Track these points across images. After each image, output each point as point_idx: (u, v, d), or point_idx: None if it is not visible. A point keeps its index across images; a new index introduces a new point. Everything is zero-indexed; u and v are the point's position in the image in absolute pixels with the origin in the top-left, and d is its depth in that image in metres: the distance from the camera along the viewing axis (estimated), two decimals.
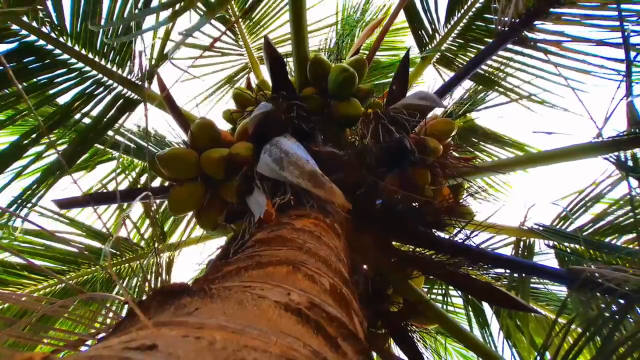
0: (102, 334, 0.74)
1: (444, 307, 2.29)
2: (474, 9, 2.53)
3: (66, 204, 2.05)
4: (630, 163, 1.84)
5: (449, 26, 2.63)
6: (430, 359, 1.87)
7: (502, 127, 3.05)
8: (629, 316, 1.47)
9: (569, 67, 2.09)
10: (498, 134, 2.95)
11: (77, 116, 2.17)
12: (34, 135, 1.99)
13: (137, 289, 2.73)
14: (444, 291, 2.44)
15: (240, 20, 2.91)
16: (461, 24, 2.61)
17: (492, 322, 2.27)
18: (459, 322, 2.71)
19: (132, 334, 0.43)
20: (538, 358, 1.24)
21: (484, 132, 2.95)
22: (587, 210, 2.25)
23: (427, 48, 2.73)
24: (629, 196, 2.04)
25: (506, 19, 2.05)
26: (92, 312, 1.92)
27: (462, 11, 2.56)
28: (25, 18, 1.91)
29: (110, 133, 2.37)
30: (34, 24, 1.92)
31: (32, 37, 1.97)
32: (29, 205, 2.02)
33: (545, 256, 2.44)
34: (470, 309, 2.35)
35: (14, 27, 1.92)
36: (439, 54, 2.74)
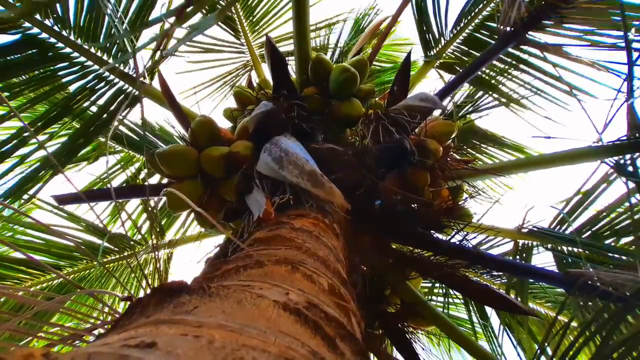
0: (100, 330, 0.74)
1: (446, 304, 2.29)
2: (480, 17, 2.58)
3: (65, 199, 2.04)
4: (629, 168, 1.84)
5: (454, 32, 2.66)
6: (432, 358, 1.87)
7: (502, 129, 3.05)
8: (626, 318, 1.48)
9: (566, 83, 2.10)
10: (498, 136, 2.97)
11: (79, 110, 2.16)
12: (26, 134, 1.99)
13: (135, 286, 2.73)
14: (444, 290, 2.45)
15: (242, 18, 2.90)
16: (466, 31, 2.65)
17: (492, 314, 2.27)
18: (456, 317, 2.71)
19: (131, 331, 0.43)
20: (538, 353, 1.25)
21: (484, 134, 2.96)
22: (584, 213, 2.26)
23: (432, 51, 2.75)
24: (627, 200, 2.04)
25: (508, 28, 2.05)
26: (90, 307, 1.92)
27: (469, 18, 2.59)
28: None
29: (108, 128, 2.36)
30: (38, 16, 1.92)
31: (35, 30, 1.96)
32: (26, 198, 2.02)
33: (544, 257, 2.44)
34: (471, 306, 2.36)
35: None
36: (442, 57, 2.76)
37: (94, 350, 0.36)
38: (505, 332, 2.05)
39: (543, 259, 2.50)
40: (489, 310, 2.28)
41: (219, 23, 2.94)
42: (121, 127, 2.53)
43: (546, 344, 1.38)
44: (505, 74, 2.53)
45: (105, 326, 0.74)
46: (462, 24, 2.63)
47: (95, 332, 0.75)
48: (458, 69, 2.76)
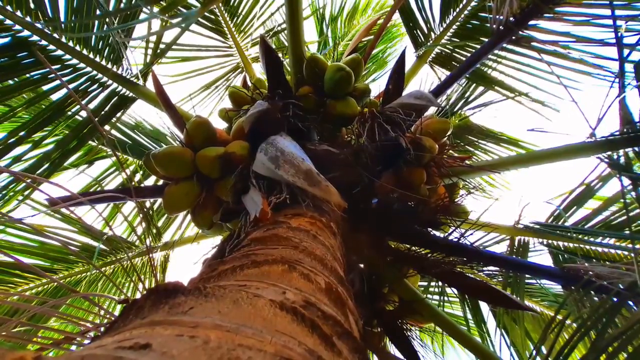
0: (96, 333, 0.74)
1: (441, 302, 2.30)
2: (469, 7, 2.53)
3: (58, 202, 2.02)
4: (622, 162, 1.86)
5: (444, 25, 2.64)
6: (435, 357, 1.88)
7: (497, 124, 3.06)
8: (621, 313, 1.49)
9: (563, 67, 2.12)
10: (493, 131, 2.98)
11: (71, 113, 2.15)
12: (22, 133, 1.97)
13: (132, 289, 2.71)
14: (440, 288, 2.45)
15: (227, 19, 2.86)
16: (457, 23, 2.61)
17: (489, 316, 2.28)
18: (455, 316, 2.71)
19: (126, 333, 0.42)
20: (534, 353, 1.26)
21: (479, 130, 2.97)
22: (580, 208, 2.28)
23: (422, 47, 2.74)
24: (621, 195, 2.06)
25: (501, 17, 2.06)
26: (85, 311, 1.91)
27: (458, 10, 2.55)
28: (19, 13, 1.88)
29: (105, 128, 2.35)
30: (28, 18, 1.90)
31: (26, 33, 1.95)
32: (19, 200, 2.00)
33: (541, 257, 2.46)
34: (467, 304, 2.37)
35: (8, 21, 1.90)
36: (434, 53, 2.75)
37: (88, 353, 0.35)
38: (501, 330, 2.06)
39: (539, 259, 2.52)
40: (486, 311, 2.29)
41: (205, 30, 2.89)
42: (116, 129, 2.51)
43: (543, 341, 1.39)
44: (500, 70, 2.54)
45: (100, 329, 0.73)
46: (451, 17, 2.58)
47: (91, 335, 0.74)
48: (453, 62, 2.75)
